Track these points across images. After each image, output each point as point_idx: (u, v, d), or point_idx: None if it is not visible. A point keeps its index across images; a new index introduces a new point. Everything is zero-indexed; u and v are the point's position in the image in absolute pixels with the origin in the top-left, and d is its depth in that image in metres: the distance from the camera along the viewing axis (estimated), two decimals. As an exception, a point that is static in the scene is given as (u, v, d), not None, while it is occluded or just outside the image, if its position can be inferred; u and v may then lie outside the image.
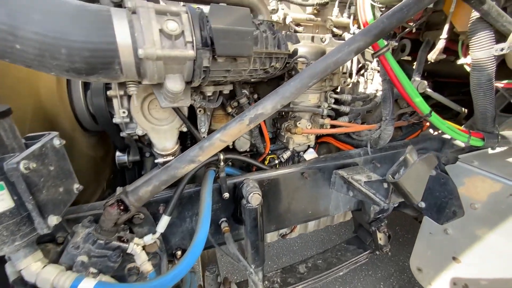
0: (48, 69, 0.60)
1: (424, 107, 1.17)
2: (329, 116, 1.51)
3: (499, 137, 1.22)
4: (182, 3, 0.78)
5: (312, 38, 1.37)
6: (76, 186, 0.92)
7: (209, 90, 0.98)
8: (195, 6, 1.18)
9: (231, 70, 0.82)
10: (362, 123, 1.73)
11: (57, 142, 0.83)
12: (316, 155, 1.62)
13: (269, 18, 1.03)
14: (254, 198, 1.10)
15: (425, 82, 1.39)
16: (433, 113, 1.18)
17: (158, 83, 0.75)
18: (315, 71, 0.90)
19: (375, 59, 1.55)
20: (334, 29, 1.54)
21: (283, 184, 1.39)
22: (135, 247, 0.97)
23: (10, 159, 0.67)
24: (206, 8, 0.77)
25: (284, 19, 1.44)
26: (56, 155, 0.83)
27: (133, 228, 1.13)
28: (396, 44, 1.13)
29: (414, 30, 1.24)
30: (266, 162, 1.59)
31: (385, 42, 1.17)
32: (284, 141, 1.48)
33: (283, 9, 1.41)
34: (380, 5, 1.16)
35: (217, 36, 0.66)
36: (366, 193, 1.21)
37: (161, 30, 0.64)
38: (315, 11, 1.50)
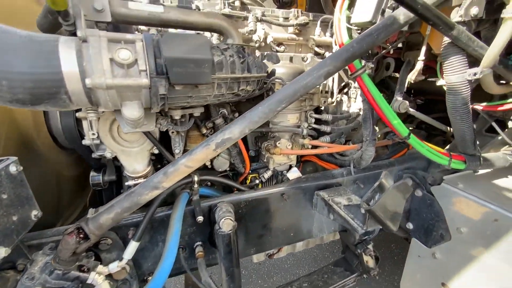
0: (-10, 99, 0.58)
1: (402, 130, 1.14)
2: (311, 135, 1.49)
3: (481, 159, 1.19)
4: (143, 30, 0.76)
5: (291, 59, 1.36)
6: (35, 213, 0.89)
7: (176, 114, 0.96)
8: (175, 31, 1.18)
9: (193, 96, 0.80)
10: (348, 141, 1.70)
11: (13, 168, 0.80)
12: (300, 174, 1.58)
13: (240, 41, 1.03)
14: (225, 224, 1.06)
15: (407, 102, 1.37)
16: (412, 135, 1.15)
17: (115, 109, 0.73)
18: (283, 95, 0.88)
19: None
20: (316, 49, 1.53)
21: (262, 206, 1.35)
22: (96, 276, 0.92)
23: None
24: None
25: (265, 38, 1.44)
26: (12, 182, 0.80)
27: (100, 254, 1.09)
28: (373, 66, 1.12)
29: (391, 51, 1.23)
30: (248, 181, 1.55)
31: (362, 63, 1.16)
32: (265, 160, 1.45)
33: (263, 29, 1.41)
34: (356, 28, 1.15)
35: (170, 65, 0.65)
36: (345, 218, 1.17)
37: (112, 59, 0.63)
38: (297, 31, 1.50)
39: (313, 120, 1.41)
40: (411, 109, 1.45)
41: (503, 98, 1.24)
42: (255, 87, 1.10)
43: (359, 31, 1.17)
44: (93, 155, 1.13)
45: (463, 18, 0.87)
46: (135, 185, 1.14)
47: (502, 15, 0.78)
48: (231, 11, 1.26)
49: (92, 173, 1.34)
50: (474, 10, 0.84)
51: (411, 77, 1.23)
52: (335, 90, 1.49)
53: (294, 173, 1.59)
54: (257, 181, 1.48)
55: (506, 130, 1.34)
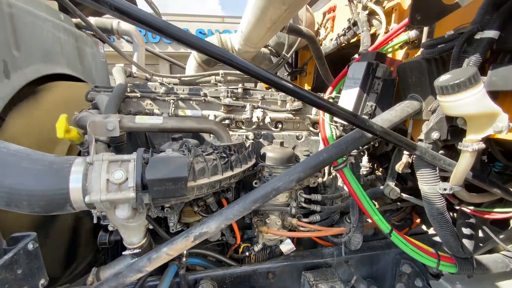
0: (16, 210, 0.77)
1: (384, 226, 1.15)
2: (304, 214, 1.53)
3: (475, 263, 1.12)
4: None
5: (282, 143, 1.48)
6: (42, 282, 1.04)
7: (166, 204, 1.11)
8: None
9: (174, 200, 0.94)
10: (346, 213, 1.70)
11: (31, 246, 0.98)
12: (293, 246, 1.60)
13: (229, 140, 1.18)
14: (203, 306, 1.12)
15: (397, 189, 1.38)
16: (394, 232, 1.15)
17: (111, 209, 0.90)
18: (256, 197, 0.99)
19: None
20: (311, 128, 1.64)
21: (247, 283, 1.38)
22: None
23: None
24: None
25: (264, 119, 1.60)
26: (28, 257, 0.98)
27: (92, 320, 1.20)
28: (353, 161, 1.19)
29: (377, 144, 1.28)
30: (240, 250, 1.61)
31: (344, 158, 1.23)
32: (255, 234, 1.52)
33: (262, 111, 1.58)
34: (339, 124, 1.26)
35: (151, 185, 0.81)
36: (324, 311, 1.16)
37: (108, 180, 0.80)
38: (293, 112, 1.64)
39: (303, 199, 1.47)
40: (403, 194, 1.45)
41: (501, 201, 1.19)
42: (243, 175, 1.22)
43: (342, 126, 1.26)
44: (101, 223, 1.31)
45: (425, 141, 0.92)
46: (131, 254, 1.28)
47: (458, 147, 0.82)
48: (231, 102, 1.46)
49: (101, 233, 1.52)
50: (435, 135, 0.89)
51: (398, 168, 1.26)
52: (326, 170, 1.56)
53: (287, 246, 1.62)
54: (247, 253, 1.53)
55: (509, 228, 1.26)
